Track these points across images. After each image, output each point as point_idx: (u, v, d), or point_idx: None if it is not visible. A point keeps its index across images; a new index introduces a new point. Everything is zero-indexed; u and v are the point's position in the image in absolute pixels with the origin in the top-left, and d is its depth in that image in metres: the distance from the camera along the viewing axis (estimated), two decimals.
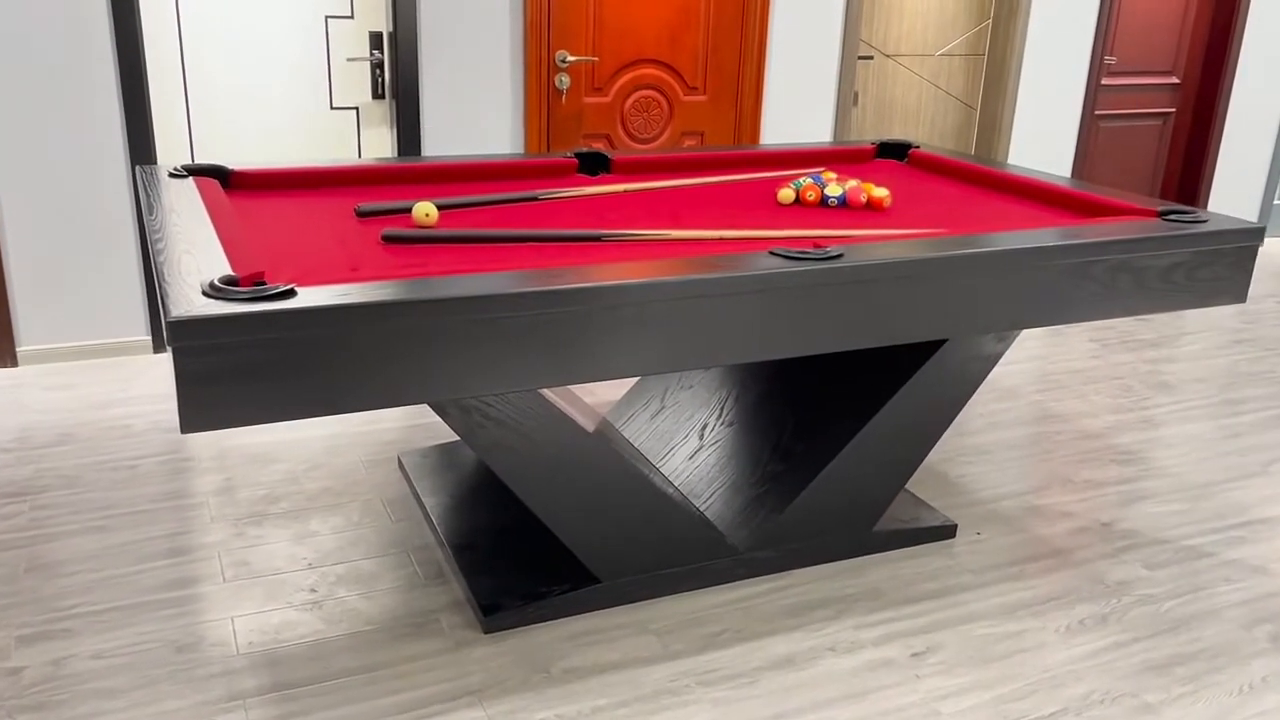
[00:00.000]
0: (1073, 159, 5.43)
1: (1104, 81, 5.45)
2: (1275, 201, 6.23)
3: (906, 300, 2.17)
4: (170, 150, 3.75)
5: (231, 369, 1.67)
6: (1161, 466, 3.25)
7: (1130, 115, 5.64)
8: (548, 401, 2.16)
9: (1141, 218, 2.54)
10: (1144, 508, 2.98)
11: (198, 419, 1.67)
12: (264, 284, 1.78)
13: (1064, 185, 2.81)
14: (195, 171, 2.62)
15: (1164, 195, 5.96)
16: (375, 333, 1.75)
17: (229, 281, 1.77)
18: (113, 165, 3.62)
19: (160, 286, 1.76)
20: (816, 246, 2.20)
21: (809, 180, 2.73)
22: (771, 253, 2.12)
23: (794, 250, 2.11)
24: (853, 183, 2.74)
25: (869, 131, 5.01)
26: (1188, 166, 5.87)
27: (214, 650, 2.19)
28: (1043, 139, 5.31)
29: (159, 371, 3.69)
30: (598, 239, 2.31)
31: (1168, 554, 2.73)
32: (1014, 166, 3.07)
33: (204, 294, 1.71)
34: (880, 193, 2.70)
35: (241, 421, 1.71)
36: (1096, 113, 5.49)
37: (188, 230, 2.07)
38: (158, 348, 3.86)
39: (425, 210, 2.35)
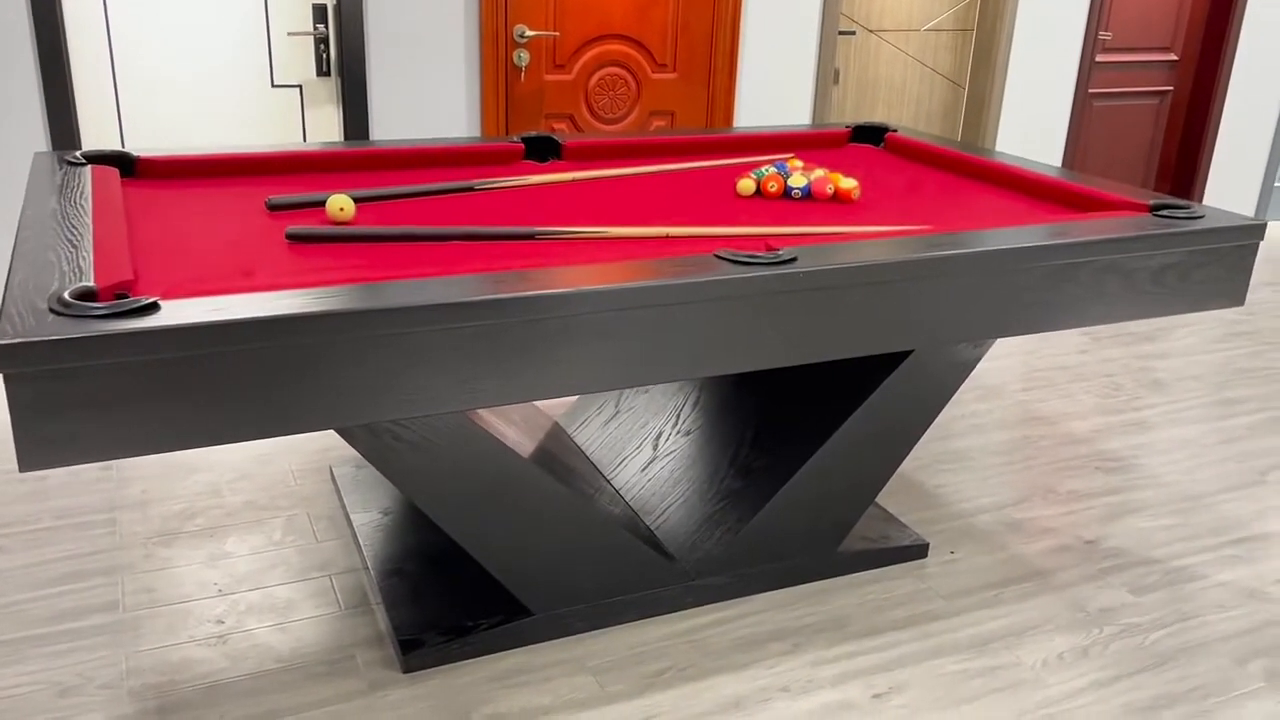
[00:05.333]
0: (1065, 139, 5.19)
1: (1098, 58, 5.20)
2: (1276, 184, 5.99)
3: (868, 309, 1.95)
4: (98, 136, 3.50)
5: (79, 398, 1.44)
6: (1151, 475, 3.04)
7: (1125, 94, 5.39)
8: (469, 420, 1.94)
9: (1132, 213, 2.32)
10: (1131, 522, 2.77)
11: (38, 455, 1.45)
12: (125, 297, 1.56)
13: (1049, 175, 2.58)
14: (94, 159, 2.39)
15: (1159, 177, 5.72)
16: (255, 353, 1.53)
17: (83, 295, 1.54)
18: (31, 153, 3.37)
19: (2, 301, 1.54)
20: (768, 249, 1.97)
21: (772, 170, 2.51)
22: (717, 255, 1.90)
23: (742, 253, 1.88)
24: (819, 172, 2.51)
25: (850, 111, 4.76)
26: (1184, 148, 5.63)
27: (99, 694, 1.98)
28: (1034, 118, 5.06)
29: None
30: (530, 237, 2.08)
31: (1155, 576, 2.53)
32: (997, 154, 2.84)
33: (50, 310, 1.49)
34: (848, 184, 2.47)
35: (95, 456, 1.49)
36: (1090, 91, 5.24)
37: (60, 230, 1.84)
38: None
39: (340, 204, 2.12)
